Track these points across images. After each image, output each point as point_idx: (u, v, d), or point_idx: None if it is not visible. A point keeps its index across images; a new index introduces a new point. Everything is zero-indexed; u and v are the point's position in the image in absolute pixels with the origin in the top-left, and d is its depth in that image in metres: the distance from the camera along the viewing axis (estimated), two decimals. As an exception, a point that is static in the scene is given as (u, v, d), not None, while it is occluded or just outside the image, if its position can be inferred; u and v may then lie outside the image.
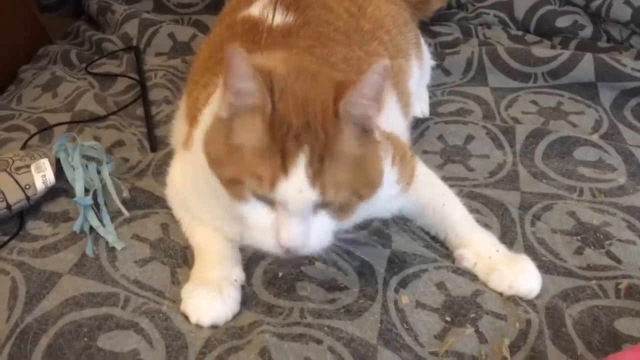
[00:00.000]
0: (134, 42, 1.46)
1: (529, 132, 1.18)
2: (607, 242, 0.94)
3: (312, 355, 0.75)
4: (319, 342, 0.76)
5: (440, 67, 1.41)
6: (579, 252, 0.93)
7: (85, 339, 0.75)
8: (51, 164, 0.97)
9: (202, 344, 0.77)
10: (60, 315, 0.78)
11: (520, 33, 1.54)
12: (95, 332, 0.76)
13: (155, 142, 1.15)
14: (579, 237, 0.95)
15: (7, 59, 1.47)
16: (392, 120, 1.01)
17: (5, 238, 0.91)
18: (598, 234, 0.95)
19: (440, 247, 0.95)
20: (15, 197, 0.92)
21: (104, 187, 0.97)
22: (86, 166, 0.99)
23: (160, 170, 1.05)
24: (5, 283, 0.82)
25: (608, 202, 1.02)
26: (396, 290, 0.87)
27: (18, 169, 0.94)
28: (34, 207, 0.96)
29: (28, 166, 0.95)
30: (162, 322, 0.79)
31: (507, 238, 0.96)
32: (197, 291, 0.81)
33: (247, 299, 0.85)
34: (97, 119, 1.19)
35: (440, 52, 1.44)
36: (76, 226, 0.90)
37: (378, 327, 0.81)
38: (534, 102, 1.29)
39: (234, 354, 0.75)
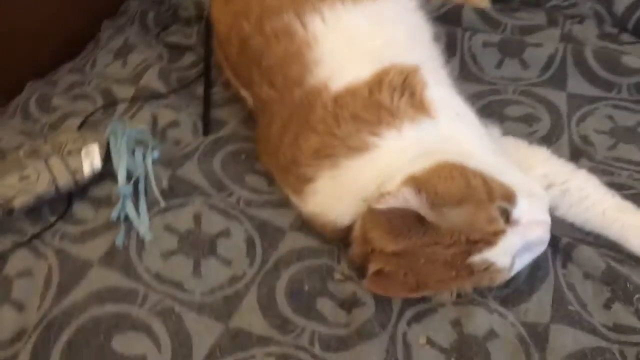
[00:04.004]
0: (206, 13, 1.46)
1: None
2: (637, 297, 0.87)
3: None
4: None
5: (519, 59, 1.32)
6: (607, 305, 0.88)
7: (102, 336, 0.81)
8: (102, 148, 1.02)
9: (206, 352, 0.82)
10: (84, 309, 0.84)
11: (615, 31, 1.39)
12: (112, 330, 0.82)
13: (209, 126, 1.17)
14: (609, 288, 0.90)
15: (90, 12, 1.51)
16: None
17: (53, 218, 0.98)
18: (628, 285, 0.88)
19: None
20: (64, 180, 0.98)
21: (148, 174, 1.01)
22: (133, 151, 1.03)
23: (206, 157, 1.09)
24: (42, 270, 0.90)
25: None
26: (408, 323, 0.87)
27: (70, 152, 1.00)
28: (84, 188, 1.02)
29: (79, 150, 1.01)
30: (173, 324, 0.84)
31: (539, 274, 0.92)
32: None
33: (268, 306, 0.88)
34: (158, 96, 1.22)
35: (521, 40, 1.33)
36: (114, 214, 0.95)
37: (383, 357, 0.82)
38: (610, 118, 1.18)
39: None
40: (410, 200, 0.79)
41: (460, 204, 0.82)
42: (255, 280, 0.91)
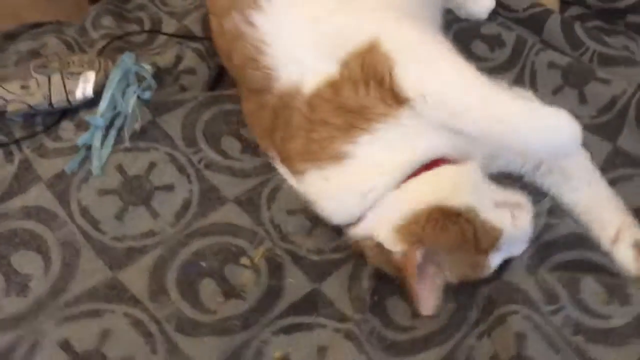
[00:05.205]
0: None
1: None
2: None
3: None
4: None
5: (579, 91, 1.14)
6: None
7: (10, 248, 0.91)
8: (101, 76, 1.10)
9: (79, 292, 0.88)
10: (12, 218, 0.94)
11: None
12: (19, 246, 0.91)
13: (220, 80, 1.19)
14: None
15: None
16: None
17: (41, 129, 1.08)
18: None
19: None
20: (57, 97, 1.07)
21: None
22: (127, 85, 1.09)
23: (200, 109, 1.11)
24: (4, 173, 1.00)
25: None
26: (276, 332, 0.86)
27: (71, 73, 1.09)
28: (77, 109, 1.10)
29: (79, 73, 1.09)
30: (69, 257, 0.91)
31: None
32: None
33: (158, 269, 0.91)
34: (193, 38, 1.26)
35: (590, 70, 1.15)
36: (80, 140, 1.03)
37: (224, 358, 0.83)
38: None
39: (86, 318, 0.85)
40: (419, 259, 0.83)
41: (455, 252, 0.86)
42: (166, 242, 0.95)
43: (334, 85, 0.90)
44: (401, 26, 0.92)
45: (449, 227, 0.84)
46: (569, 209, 0.99)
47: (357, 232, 0.90)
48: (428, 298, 0.85)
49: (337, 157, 0.89)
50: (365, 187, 0.89)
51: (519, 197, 0.90)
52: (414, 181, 0.88)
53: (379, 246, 0.86)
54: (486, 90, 0.86)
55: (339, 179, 0.90)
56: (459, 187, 0.86)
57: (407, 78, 0.86)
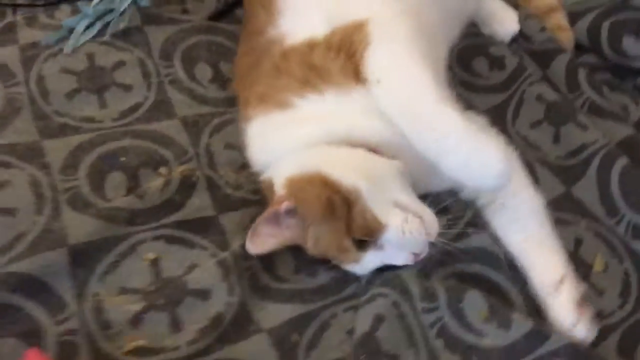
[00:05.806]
0: None
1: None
2: None
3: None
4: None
5: (556, 130, 1.10)
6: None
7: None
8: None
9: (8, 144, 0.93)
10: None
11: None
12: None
13: (220, 14, 1.23)
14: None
15: None
16: None
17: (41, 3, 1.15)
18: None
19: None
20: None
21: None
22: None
23: (189, 32, 1.15)
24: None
25: None
26: (158, 238, 0.88)
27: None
28: (78, -3, 1.17)
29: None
30: (8, 112, 0.97)
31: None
32: None
33: (81, 152, 0.95)
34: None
35: (571, 113, 1.11)
36: (66, 22, 1.09)
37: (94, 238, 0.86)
38: (578, 243, 0.97)
39: None
40: (282, 209, 0.84)
41: (321, 225, 0.84)
42: (100, 130, 0.98)
43: (311, 44, 0.93)
44: (394, 19, 0.94)
45: (321, 197, 0.83)
46: (509, 246, 0.94)
47: (266, 173, 0.92)
48: (261, 242, 0.85)
49: (284, 105, 0.92)
50: (290, 134, 0.91)
51: (425, 210, 0.86)
52: (327, 147, 0.88)
53: (271, 186, 0.89)
54: (436, 99, 0.85)
55: (276, 122, 0.93)
56: (357, 169, 0.85)
57: (373, 61, 0.88)
